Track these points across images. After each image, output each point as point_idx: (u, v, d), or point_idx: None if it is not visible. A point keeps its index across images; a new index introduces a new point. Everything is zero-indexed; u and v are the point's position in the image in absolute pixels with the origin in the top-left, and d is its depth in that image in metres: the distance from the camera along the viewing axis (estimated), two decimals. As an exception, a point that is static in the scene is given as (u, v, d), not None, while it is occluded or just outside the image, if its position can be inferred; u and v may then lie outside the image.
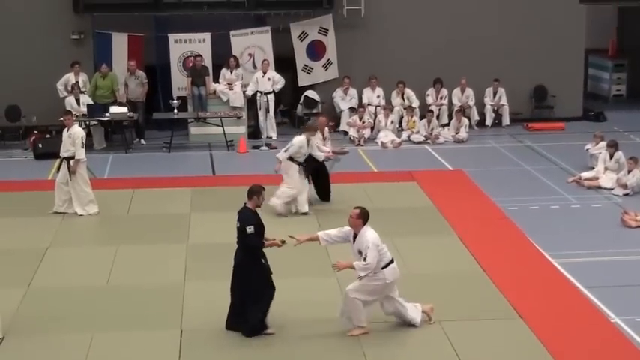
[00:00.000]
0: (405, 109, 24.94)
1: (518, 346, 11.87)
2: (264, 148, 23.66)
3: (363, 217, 12.04)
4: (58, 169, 17.89)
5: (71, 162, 17.44)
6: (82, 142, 17.49)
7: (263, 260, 12.02)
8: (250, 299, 11.99)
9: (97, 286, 13.93)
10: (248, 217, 11.95)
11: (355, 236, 12.04)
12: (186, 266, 14.76)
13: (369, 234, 11.93)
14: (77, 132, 17.58)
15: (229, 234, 16.11)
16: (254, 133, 24.62)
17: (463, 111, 24.91)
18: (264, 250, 12.12)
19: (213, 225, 16.83)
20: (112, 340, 12.01)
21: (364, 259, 11.80)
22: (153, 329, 12.35)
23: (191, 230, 16.66)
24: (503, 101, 25.74)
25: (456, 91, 25.57)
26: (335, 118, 25.39)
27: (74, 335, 12.12)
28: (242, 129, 24.18)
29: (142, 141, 24.41)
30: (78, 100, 23.43)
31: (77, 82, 23.81)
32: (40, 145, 22.50)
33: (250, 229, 11.84)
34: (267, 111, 24.61)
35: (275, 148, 23.61)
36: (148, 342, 11.96)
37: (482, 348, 11.81)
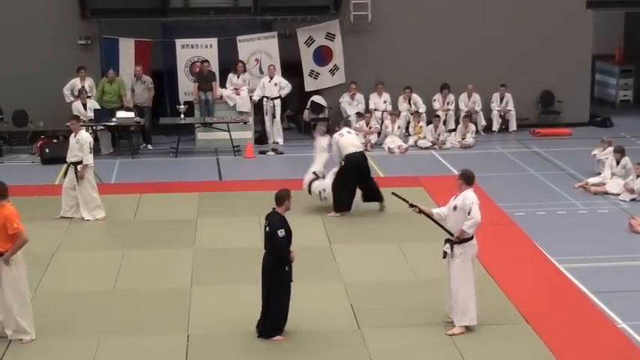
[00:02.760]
0: (411, 114, 24.94)
1: (524, 351, 11.85)
2: (270, 153, 23.68)
3: (464, 177, 12.44)
4: (65, 173, 17.92)
5: (78, 167, 17.46)
6: (90, 148, 17.52)
7: (287, 268, 12.00)
8: (271, 302, 12.00)
9: (104, 291, 13.94)
10: (278, 222, 11.95)
11: (457, 195, 12.43)
12: (193, 271, 14.75)
13: (471, 194, 12.32)
14: (85, 137, 17.61)
15: (236, 239, 16.28)
16: (261, 138, 24.63)
17: (470, 116, 24.89)
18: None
19: (220, 230, 16.85)
20: (119, 344, 12.01)
21: (468, 213, 12.11)
22: (159, 334, 12.34)
23: (198, 235, 16.67)
24: (510, 107, 25.72)
25: (463, 96, 25.56)
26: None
27: (81, 340, 12.13)
28: (249, 134, 24.19)
29: (149, 146, 24.43)
30: (85, 105, 23.46)
31: (83, 87, 23.84)
32: (46, 150, 22.53)
33: (281, 233, 11.85)
34: (274, 116, 24.62)
35: (281, 153, 23.65)
36: (155, 347, 11.96)
37: (489, 353, 11.81)
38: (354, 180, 17.87)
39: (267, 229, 11.98)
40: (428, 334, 12.26)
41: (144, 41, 25.06)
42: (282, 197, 12.14)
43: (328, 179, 18.02)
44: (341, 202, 17.76)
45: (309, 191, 18.05)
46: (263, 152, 23.69)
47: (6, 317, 11.94)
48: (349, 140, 18.14)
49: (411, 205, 12.66)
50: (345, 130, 18.59)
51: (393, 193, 13.16)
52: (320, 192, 17.95)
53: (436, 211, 12.67)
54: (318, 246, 15.89)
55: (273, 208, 12.13)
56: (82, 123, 18.71)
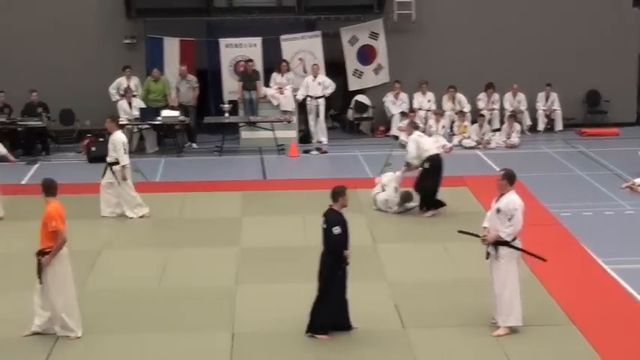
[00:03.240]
0: (456, 113, 24.86)
1: (569, 352, 11.74)
2: (314, 152, 23.70)
3: (508, 177, 12.25)
4: (105, 173, 18.00)
5: (115, 167, 17.50)
6: (124, 148, 17.51)
7: (342, 266, 11.99)
8: (321, 299, 11.99)
9: (149, 289, 14.01)
10: (335, 219, 11.92)
11: (500, 197, 12.21)
12: (238, 269, 14.79)
13: (516, 197, 12.14)
14: (117, 138, 17.54)
15: (280, 237, 16.29)
16: (305, 137, 24.65)
17: (515, 116, 24.76)
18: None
19: (264, 228, 16.88)
20: (164, 342, 12.06)
21: (509, 220, 11.96)
22: (204, 332, 12.36)
23: (242, 233, 16.70)
24: (556, 106, 25.55)
25: (508, 95, 25.42)
26: (385, 122, 25.42)
27: (126, 337, 12.19)
28: (293, 133, 24.22)
29: (194, 144, 24.54)
30: (130, 104, 23.64)
31: (129, 86, 24.01)
32: (93, 149, 22.69)
33: (337, 230, 11.82)
34: (318, 115, 24.64)
35: (325, 152, 23.66)
36: (199, 345, 11.98)
37: (534, 354, 11.71)
38: (439, 179, 17.87)
39: (324, 225, 11.95)
40: (473, 335, 12.18)
41: (188, 40, 25.18)
42: (337, 193, 12.11)
43: (390, 190, 17.89)
44: (433, 200, 17.78)
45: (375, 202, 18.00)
46: (307, 151, 23.71)
47: (53, 314, 12.04)
48: (429, 141, 18.29)
49: (483, 239, 12.34)
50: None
51: (459, 231, 13.02)
52: (386, 200, 17.88)
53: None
54: (362, 245, 15.82)
55: (330, 206, 12.11)
56: (118, 122, 18.61)
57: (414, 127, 18.59)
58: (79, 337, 12.07)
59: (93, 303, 13.15)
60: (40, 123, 23.53)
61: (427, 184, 17.75)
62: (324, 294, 11.98)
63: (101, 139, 23.09)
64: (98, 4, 24.84)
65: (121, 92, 24.04)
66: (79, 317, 12.16)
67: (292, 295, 12.84)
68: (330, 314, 12.04)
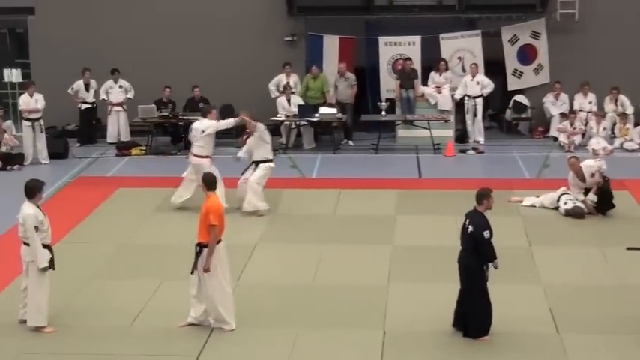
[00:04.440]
0: (618, 115, 24.26)
1: None
2: (471, 152, 23.52)
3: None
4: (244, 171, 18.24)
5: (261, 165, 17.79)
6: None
7: (486, 267, 11.93)
8: (468, 302, 11.95)
9: (303, 284, 14.14)
10: (483, 222, 11.86)
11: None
12: (391, 267, 14.80)
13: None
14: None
15: (434, 237, 16.22)
16: (461, 136, 24.50)
17: (681, 119, 24.04)
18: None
19: (418, 227, 16.84)
20: (316, 337, 12.15)
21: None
22: (356, 329, 12.41)
23: (396, 232, 16.71)
24: None
25: (674, 98, 24.69)
26: (544, 123, 25.04)
27: (279, 331, 12.32)
28: (449, 132, 24.09)
29: (350, 142, 24.69)
30: (289, 101, 23.95)
31: (288, 82, 24.32)
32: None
33: (487, 234, 11.76)
34: (475, 115, 24.45)
35: (482, 152, 23.45)
36: (351, 341, 12.02)
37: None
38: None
39: (471, 229, 11.85)
40: (631, 343, 11.86)
41: (348, 38, 25.34)
42: (483, 196, 12.02)
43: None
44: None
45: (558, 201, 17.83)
46: (463, 151, 23.54)
47: (209, 306, 12.29)
48: None
49: None
50: None
51: (628, 248, 12.76)
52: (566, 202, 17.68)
53: None
54: (518, 246, 15.67)
55: (474, 207, 12.03)
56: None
57: None
58: (232, 330, 12.29)
59: (248, 296, 13.36)
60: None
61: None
62: (471, 297, 11.90)
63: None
64: (260, 3, 25.26)
65: (280, 89, 24.38)
66: (234, 310, 12.38)
67: (445, 294, 12.75)
68: (487, 314, 11.93)
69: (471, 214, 11.99)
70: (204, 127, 17.70)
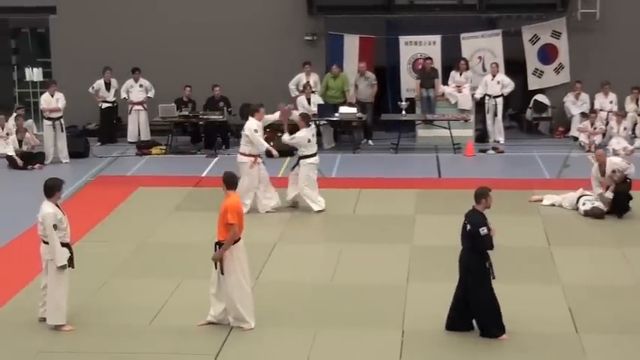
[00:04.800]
0: (638, 115, 24.16)
1: None
2: (491, 151, 23.48)
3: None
4: (294, 167, 18.31)
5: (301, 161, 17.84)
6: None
7: (487, 264, 11.93)
8: (472, 302, 11.93)
9: (322, 283, 14.14)
10: (480, 220, 11.89)
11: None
12: (410, 267, 14.79)
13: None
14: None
15: (454, 236, 16.05)
16: (481, 136, 24.46)
17: (702, 119, 23.90)
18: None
19: (437, 227, 16.79)
20: (335, 336, 12.16)
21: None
22: (374, 328, 12.42)
23: (415, 231, 16.70)
24: None
25: (696, 98, 24.56)
26: (565, 123, 24.96)
27: (298, 330, 12.35)
28: (469, 132, 24.06)
29: (370, 141, 24.69)
30: (309, 100, 23.95)
31: (308, 82, 24.33)
32: (270, 143, 22.97)
33: (484, 231, 11.78)
34: (496, 114, 24.39)
35: (502, 152, 23.40)
36: (370, 341, 12.03)
37: None
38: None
39: (469, 227, 11.90)
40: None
41: (368, 38, 25.34)
42: (481, 195, 12.07)
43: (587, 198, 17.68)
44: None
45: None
46: (483, 151, 23.50)
47: (228, 305, 12.31)
48: None
49: None
50: None
51: None
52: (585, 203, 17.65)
53: None
54: (538, 247, 15.63)
55: (473, 207, 12.05)
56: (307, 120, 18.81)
57: None
58: (252, 329, 12.31)
59: (266, 295, 13.37)
60: (220, 117, 24.12)
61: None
62: (474, 296, 11.89)
63: (279, 134, 23.48)
64: (281, 2, 25.29)
65: (300, 88, 24.40)
66: (253, 309, 12.40)
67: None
68: (494, 311, 11.90)
69: (469, 214, 12.04)
70: (255, 126, 17.94)
